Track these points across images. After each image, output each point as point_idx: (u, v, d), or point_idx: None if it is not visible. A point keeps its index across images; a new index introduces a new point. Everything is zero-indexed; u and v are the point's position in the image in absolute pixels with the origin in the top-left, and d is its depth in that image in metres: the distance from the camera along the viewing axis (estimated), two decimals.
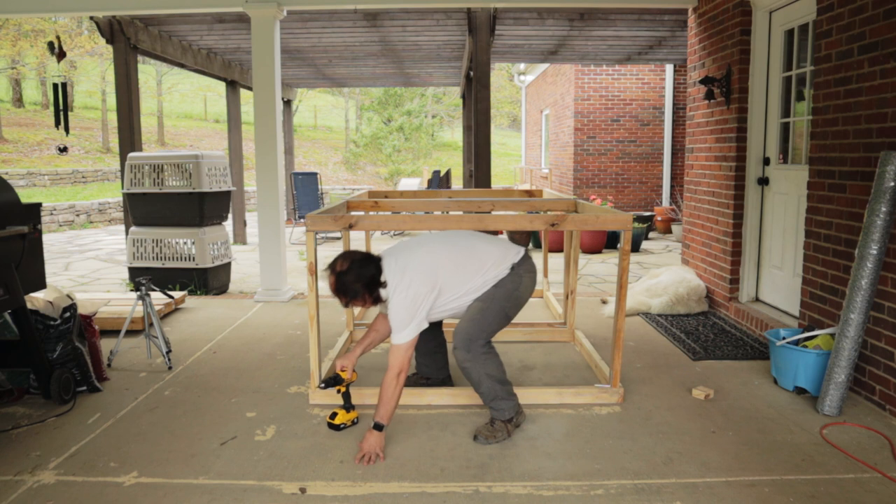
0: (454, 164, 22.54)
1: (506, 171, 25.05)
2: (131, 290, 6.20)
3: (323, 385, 3.07)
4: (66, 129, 6.92)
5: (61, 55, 6.58)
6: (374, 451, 2.72)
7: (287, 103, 12.56)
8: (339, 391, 3.06)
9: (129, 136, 6.94)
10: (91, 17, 7.27)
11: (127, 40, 6.81)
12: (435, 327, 3.38)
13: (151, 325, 4.01)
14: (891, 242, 3.09)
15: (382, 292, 2.88)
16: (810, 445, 2.84)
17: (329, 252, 9.04)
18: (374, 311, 5.24)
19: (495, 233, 8.49)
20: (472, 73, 7.12)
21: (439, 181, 11.57)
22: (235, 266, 7.46)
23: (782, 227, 4.54)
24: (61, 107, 6.78)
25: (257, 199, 5.77)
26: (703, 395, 3.38)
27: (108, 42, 6.88)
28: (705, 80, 5.01)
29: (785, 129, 4.59)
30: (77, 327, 3.56)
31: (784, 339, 3.56)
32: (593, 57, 9.57)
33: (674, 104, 11.60)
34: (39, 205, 3.42)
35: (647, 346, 4.32)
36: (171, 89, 26.28)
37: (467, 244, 3.06)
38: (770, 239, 4.71)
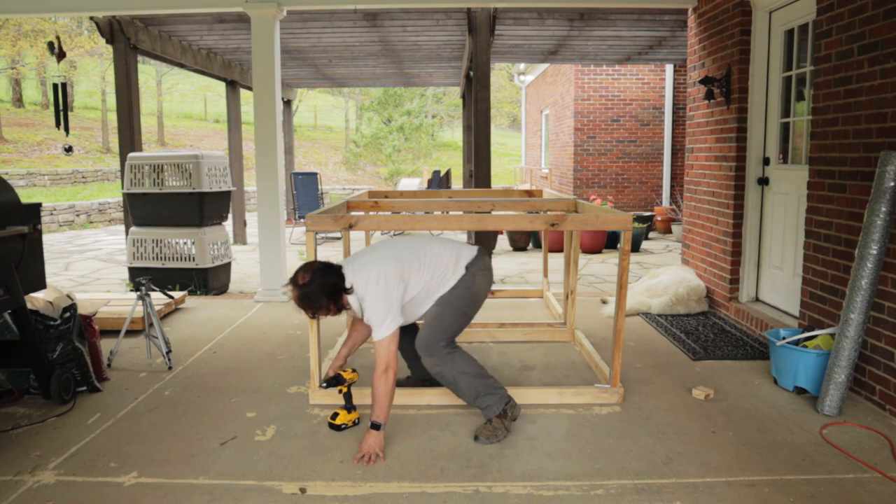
0: (454, 164, 22.54)
1: (506, 171, 25.04)
2: (131, 290, 6.20)
3: (324, 385, 3.07)
4: (67, 130, 6.92)
5: (61, 55, 6.58)
6: (374, 451, 2.72)
7: (287, 103, 12.56)
8: (340, 391, 3.06)
9: (129, 136, 6.94)
10: (91, 17, 7.27)
11: (127, 40, 6.81)
12: (410, 332, 3.31)
13: (151, 325, 4.01)
14: (891, 242, 3.09)
15: (351, 299, 2.86)
16: (810, 445, 2.84)
17: (329, 252, 9.06)
18: None
19: (495, 233, 8.51)
20: (472, 73, 7.12)
21: (439, 181, 11.57)
22: (235, 266, 7.46)
23: (782, 227, 4.54)
24: (61, 107, 6.78)
25: (257, 199, 5.77)
26: (703, 395, 3.38)
27: (108, 42, 6.88)
28: (705, 80, 5.01)
29: (785, 129, 4.59)
30: (77, 327, 3.56)
31: (784, 339, 3.56)
32: (593, 57, 9.57)
33: (674, 104, 11.60)
34: (39, 205, 3.42)
35: (647, 346, 4.32)
36: (171, 89, 26.27)
37: (421, 247, 3.07)
38: (770, 239, 4.71)
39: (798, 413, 3.19)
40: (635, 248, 9.15)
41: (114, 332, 4.41)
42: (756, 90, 4.71)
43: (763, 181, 4.75)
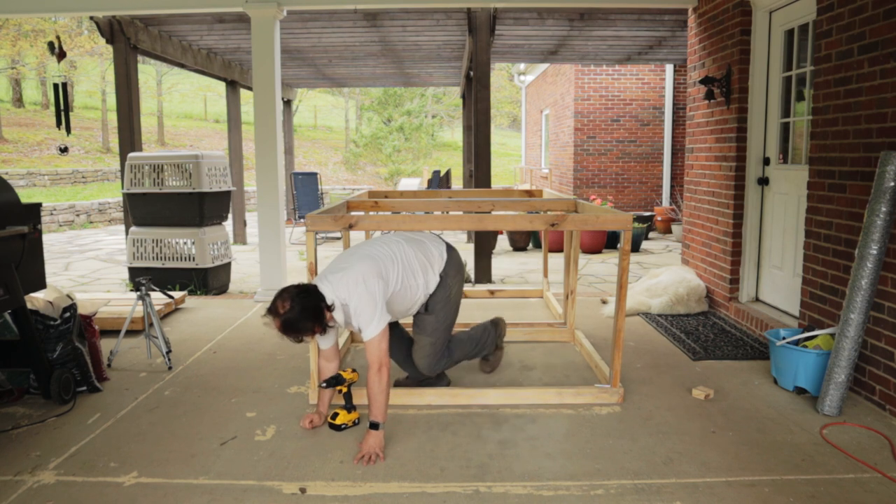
0: (454, 164, 22.54)
1: (506, 171, 25.04)
2: (131, 290, 6.20)
3: (324, 385, 3.07)
4: (68, 129, 6.92)
5: (61, 55, 6.58)
6: (374, 451, 2.72)
7: (287, 103, 12.56)
8: (340, 391, 3.06)
9: (129, 136, 6.94)
10: (91, 17, 7.27)
11: (127, 40, 6.81)
12: (395, 333, 3.37)
13: (151, 325, 4.01)
14: (891, 242, 3.09)
15: (336, 314, 2.86)
16: (810, 445, 2.84)
17: (329, 252, 9.06)
18: None
19: (495, 233, 8.51)
20: (472, 73, 7.12)
21: (439, 181, 11.57)
22: (235, 266, 7.46)
23: (782, 227, 4.54)
24: (62, 107, 6.78)
25: (257, 199, 5.77)
26: (703, 395, 3.38)
27: (108, 42, 6.88)
28: (705, 80, 5.01)
29: (785, 129, 4.59)
30: (77, 327, 3.56)
31: (784, 339, 3.56)
32: (593, 57, 9.57)
33: (674, 104, 11.60)
34: (39, 205, 3.42)
35: (647, 346, 4.32)
36: (171, 89, 26.28)
37: (390, 243, 3.13)
38: (770, 239, 4.71)
39: (798, 413, 3.19)
40: (635, 248, 9.15)
41: (114, 332, 4.41)
42: (756, 90, 4.71)
43: (763, 181, 4.75)
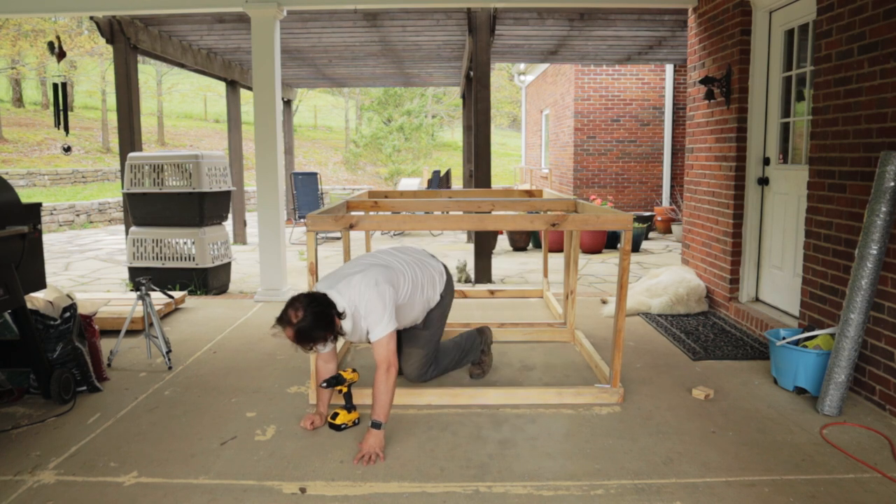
0: (454, 164, 22.54)
1: (506, 171, 25.05)
2: (131, 290, 6.20)
3: (325, 385, 3.07)
4: (66, 129, 6.92)
5: (61, 55, 6.58)
6: (374, 450, 2.72)
7: (287, 103, 12.56)
8: (340, 391, 3.06)
9: (129, 136, 6.94)
10: (91, 17, 7.27)
11: (127, 40, 6.81)
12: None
13: (151, 325, 4.01)
14: (891, 242, 3.10)
15: (344, 323, 2.88)
16: (810, 445, 2.84)
17: (329, 252, 9.06)
18: None
19: (495, 233, 8.51)
20: (472, 73, 7.12)
21: (439, 181, 11.57)
22: (235, 266, 7.46)
23: (782, 227, 4.54)
24: (61, 107, 6.78)
25: (257, 199, 5.77)
26: (703, 395, 3.38)
27: (108, 42, 6.88)
28: (705, 80, 5.01)
29: (785, 129, 4.59)
30: (77, 327, 3.56)
31: (784, 339, 3.56)
32: (593, 57, 9.57)
33: (674, 104, 11.60)
34: (39, 205, 3.42)
35: (647, 346, 4.32)
36: (171, 89, 26.28)
37: (399, 258, 3.27)
38: (770, 239, 4.71)
39: (798, 413, 3.19)
40: (635, 248, 9.15)
41: (114, 332, 4.41)
42: (756, 90, 4.71)
43: (763, 181, 4.75)
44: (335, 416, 3.02)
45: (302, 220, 10.44)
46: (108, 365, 3.90)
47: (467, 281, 6.67)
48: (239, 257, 8.48)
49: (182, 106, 28.36)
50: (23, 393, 3.43)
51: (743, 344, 4.29)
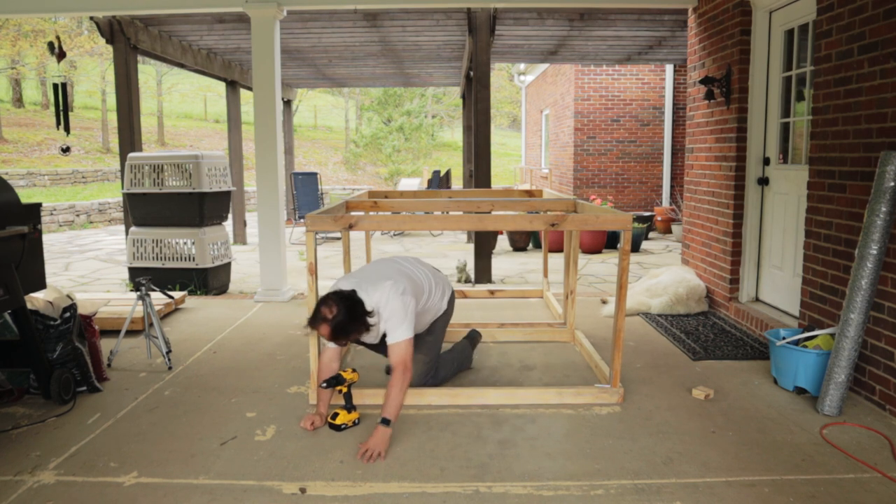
0: (454, 164, 22.54)
1: (506, 171, 25.05)
2: (131, 290, 6.20)
3: (324, 385, 3.07)
4: (67, 129, 6.91)
5: (61, 55, 6.58)
6: (378, 449, 2.73)
7: (287, 103, 12.56)
8: (340, 391, 3.06)
9: (129, 136, 6.94)
10: (91, 17, 7.27)
11: (127, 40, 6.81)
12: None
13: (151, 325, 4.01)
14: (891, 242, 3.10)
15: (371, 319, 2.97)
16: (810, 445, 2.84)
17: (329, 252, 9.05)
18: None
19: (495, 233, 8.51)
20: (472, 73, 7.12)
21: (439, 181, 11.57)
22: (235, 266, 7.46)
23: (782, 227, 4.54)
24: (61, 107, 6.78)
25: (257, 199, 5.77)
26: (703, 395, 3.38)
27: (108, 42, 6.88)
28: (705, 80, 5.01)
29: (785, 129, 4.59)
30: (77, 327, 3.56)
31: (784, 339, 3.56)
32: (593, 57, 9.57)
33: (674, 104, 11.60)
34: (39, 205, 3.42)
35: (647, 346, 4.32)
36: (171, 89, 26.28)
37: (419, 271, 3.40)
38: (770, 239, 4.71)
39: (798, 413, 3.19)
40: (635, 248, 9.15)
41: (114, 332, 4.41)
42: (756, 90, 4.71)
43: (763, 181, 4.75)
44: (335, 416, 3.02)
45: (302, 220, 10.44)
46: (108, 365, 3.90)
47: (467, 281, 6.67)
48: (239, 257, 8.48)
49: (182, 106, 28.36)
50: (23, 393, 3.43)
51: (743, 344, 4.29)
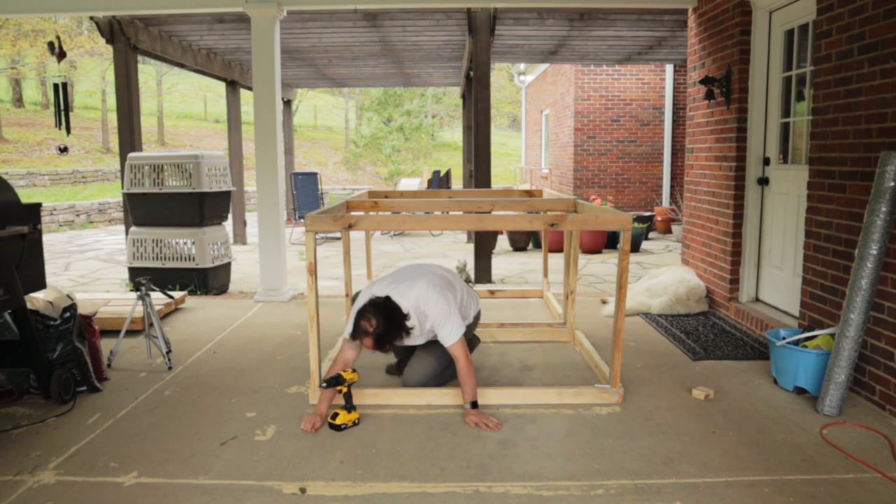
0: (454, 164, 22.54)
1: (506, 171, 25.04)
2: (131, 290, 6.20)
3: (324, 385, 3.07)
4: (67, 130, 6.92)
5: (61, 55, 6.58)
6: (484, 421, 2.98)
7: (287, 103, 12.56)
8: (340, 391, 3.06)
9: (129, 136, 6.94)
10: (91, 17, 7.27)
11: (127, 40, 6.81)
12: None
13: (151, 325, 4.01)
14: (891, 242, 3.09)
15: (408, 323, 3.12)
16: (810, 445, 2.84)
17: (329, 252, 9.05)
18: None
19: (495, 233, 8.51)
20: (472, 73, 7.12)
21: (439, 181, 11.57)
22: (235, 266, 7.46)
23: (782, 227, 4.54)
24: (62, 107, 6.78)
25: (257, 199, 5.77)
26: (703, 395, 3.38)
27: (108, 42, 6.88)
28: (705, 80, 5.01)
29: (785, 129, 4.59)
30: (77, 327, 3.56)
31: (784, 339, 3.56)
32: (593, 57, 9.57)
33: (674, 104, 11.60)
34: (39, 205, 3.42)
35: (647, 346, 4.32)
36: (171, 89, 26.28)
37: (448, 276, 3.47)
38: (770, 239, 4.71)
39: (798, 413, 3.19)
40: (635, 248, 9.15)
41: (114, 332, 4.41)
42: (756, 90, 4.71)
43: (763, 181, 4.75)
44: (335, 416, 3.02)
45: (302, 220, 10.44)
46: (108, 365, 3.90)
47: (467, 281, 6.67)
48: (239, 257, 8.48)
49: (182, 106, 28.36)
50: (23, 393, 3.43)
51: (743, 344, 4.29)
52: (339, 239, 10.44)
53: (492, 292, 5.83)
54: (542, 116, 15.52)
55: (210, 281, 6.11)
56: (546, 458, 2.73)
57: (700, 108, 5.43)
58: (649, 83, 11.73)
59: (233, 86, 9.93)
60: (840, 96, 3.53)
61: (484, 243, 6.72)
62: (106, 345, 4.09)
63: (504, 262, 8.20)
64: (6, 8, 5.92)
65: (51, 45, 6.65)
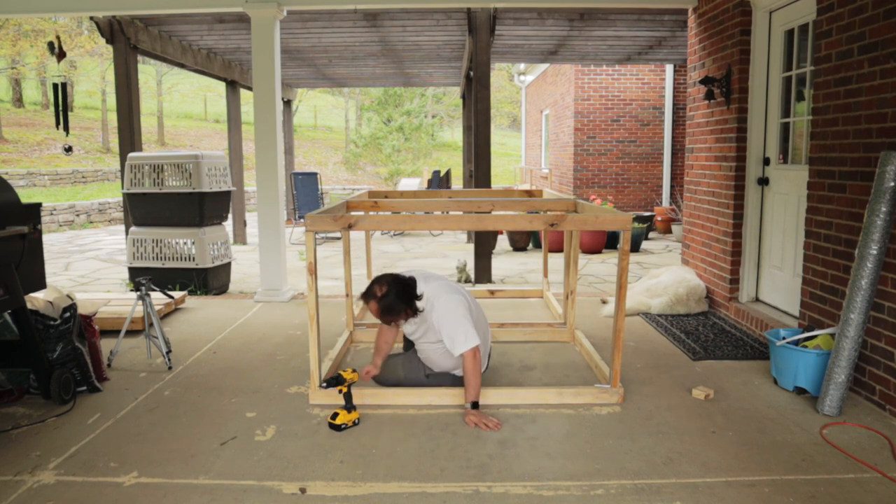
0: (454, 164, 22.53)
1: (506, 171, 25.04)
2: (131, 290, 6.20)
3: (325, 385, 3.07)
4: (67, 130, 6.92)
5: (61, 55, 6.58)
6: (483, 421, 2.98)
7: (287, 103, 12.56)
8: (340, 391, 3.06)
9: (129, 136, 6.94)
10: (91, 17, 7.27)
11: (127, 40, 6.81)
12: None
13: (151, 325, 4.01)
14: (891, 242, 3.09)
15: (419, 304, 3.17)
16: (810, 445, 2.84)
17: (329, 252, 9.05)
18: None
19: (495, 233, 8.51)
20: (472, 73, 7.12)
21: (439, 181, 11.57)
22: (235, 266, 7.46)
23: (782, 227, 4.54)
24: (61, 107, 6.78)
25: (257, 198, 5.77)
26: (703, 395, 3.38)
27: (108, 42, 6.88)
28: (705, 80, 5.01)
29: (785, 129, 4.59)
30: (77, 327, 3.55)
31: (784, 339, 3.56)
32: (593, 57, 9.57)
33: (674, 104, 11.59)
34: (39, 205, 3.42)
35: (647, 346, 4.32)
36: (171, 89, 26.28)
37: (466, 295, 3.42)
38: (770, 239, 4.71)
39: (798, 413, 3.19)
40: (635, 248, 9.15)
41: (114, 332, 4.41)
42: (756, 90, 4.71)
43: (763, 181, 4.75)
44: (335, 416, 3.02)
45: (302, 220, 10.43)
46: (108, 365, 3.90)
47: (467, 281, 6.67)
48: (239, 257, 8.48)
49: (182, 106, 28.36)
50: (23, 393, 3.43)
51: (743, 344, 4.29)
52: (339, 239, 10.44)
53: (492, 292, 5.83)
54: (542, 116, 15.52)
55: (210, 281, 6.11)
56: (546, 458, 2.73)
57: (700, 108, 5.43)
58: (649, 83, 11.73)
59: (233, 86, 9.93)
60: (840, 96, 3.53)
61: (484, 243, 6.72)
62: (106, 345, 4.09)
63: (504, 262, 8.20)
64: (6, 8, 5.92)
65: (51, 45, 6.65)
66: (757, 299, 4.89)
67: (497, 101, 29.16)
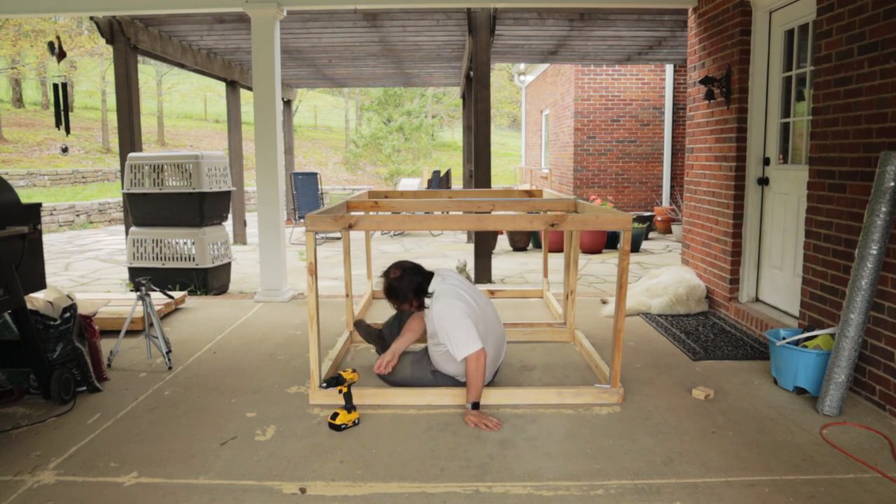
0: (454, 164, 22.53)
1: (506, 171, 25.05)
2: (131, 291, 6.20)
3: (325, 385, 3.07)
4: (67, 130, 6.92)
5: (61, 55, 6.58)
6: (481, 421, 2.98)
7: (287, 103, 12.56)
8: (340, 391, 3.06)
9: (129, 136, 6.94)
10: (91, 17, 7.27)
11: (127, 40, 6.81)
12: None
13: (151, 325, 4.01)
14: (891, 242, 3.10)
15: (427, 300, 3.24)
16: (810, 445, 2.84)
17: (329, 252, 9.05)
18: (376, 310, 5.24)
19: (495, 233, 8.51)
20: (472, 73, 7.12)
21: (439, 181, 11.57)
22: (235, 266, 7.46)
23: (782, 227, 4.54)
24: (61, 107, 6.78)
25: (257, 198, 5.77)
26: (703, 395, 3.38)
27: (108, 42, 6.88)
28: (705, 80, 5.01)
29: (785, 129, 4.59)
30: (77, 327, 3.55)
31: (784, 339, 3.56)
32: (593, 57, 9.57)
33: (674, 104, 11.60)
34: (39, 205, 3.42)
35: (647, 346, 4.32)
36: (171, 89, 26.28)
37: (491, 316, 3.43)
38: (770, 239, 4.71)
39: (798, 413, 3.19)
40: (635, 248, 9.15)
41: (114, 332, 4.41)
42: (756, 90, 4.71)
43: (763, 181, 4.75)
44: (335, 416, 3.02)
45: (302, 220, 10.44)
46: (108, 365, 3.90)
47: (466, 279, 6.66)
48: (239, 257, 8.48)
49: (182, 106, 28.36)
50: (23, 393, 3.43)
51: (743, 344, 4.29)
52: (339, 239, 10.44)
53: (492, 292, 5.83)
54: (542, 116, 15.52)
55: (210, 281, 6.11)
56: (546, 458, 2.73)
57: (700, 108, 5.43)
58: (649, 83, 11.73)
59: (233, 86, 9.93)
60: (840, 96, 3.53)
61: (484, 243, 6.72)
62: (106, 345, 4.09)
63: (504, 262, 8.20)
64: (6, 8, 5.92)
65: (51, 45, 6.65)
66: (757, 299, 4.89)
67: (497, 101, 29.16)
